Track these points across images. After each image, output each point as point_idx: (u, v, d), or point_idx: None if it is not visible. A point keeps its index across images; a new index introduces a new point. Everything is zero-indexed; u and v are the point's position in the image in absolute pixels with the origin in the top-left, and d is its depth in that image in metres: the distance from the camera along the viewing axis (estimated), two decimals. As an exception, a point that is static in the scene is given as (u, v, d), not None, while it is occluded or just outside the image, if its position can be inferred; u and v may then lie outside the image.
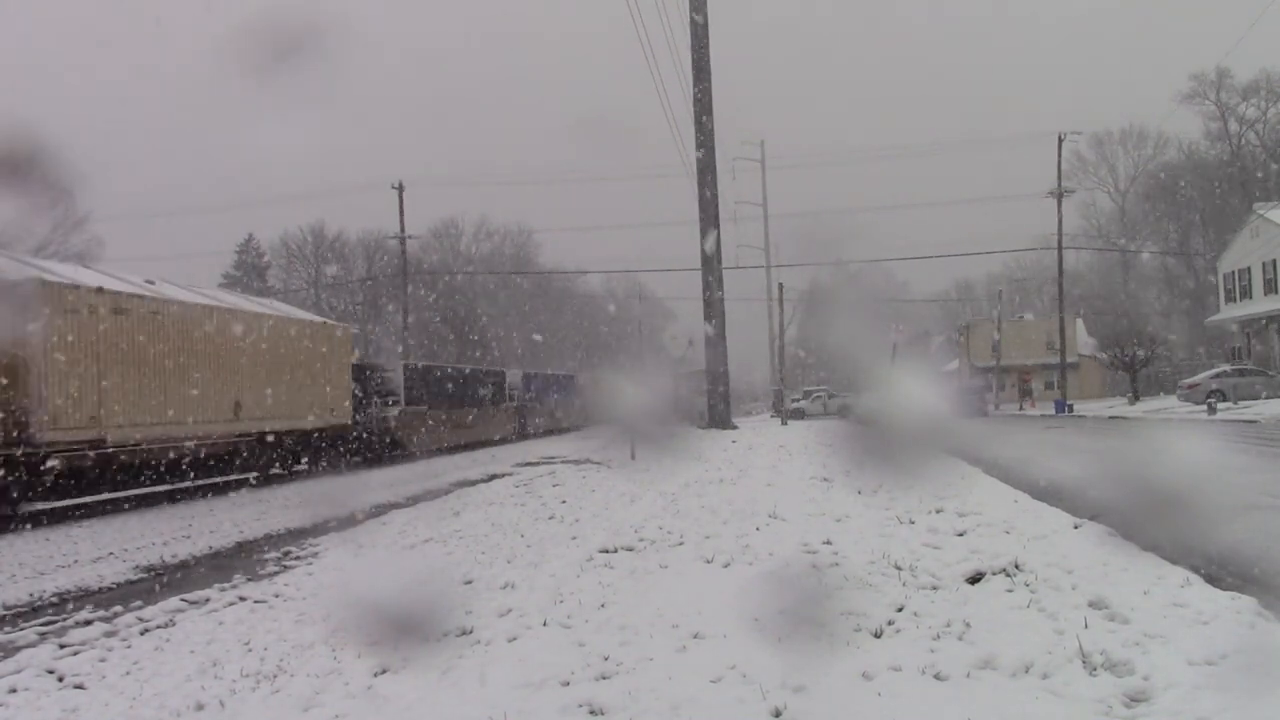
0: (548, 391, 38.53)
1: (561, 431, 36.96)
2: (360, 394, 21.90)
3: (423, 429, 24.53)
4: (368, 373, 23.38)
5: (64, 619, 6.72)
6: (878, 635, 4.40)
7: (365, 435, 21.66)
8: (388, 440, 22.86)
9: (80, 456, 12.88)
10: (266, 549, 9.85)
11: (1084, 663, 3.86)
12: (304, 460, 18.76)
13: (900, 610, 4.79)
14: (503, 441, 30.42)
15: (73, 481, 12.85)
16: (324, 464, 18.92)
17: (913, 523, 7.36)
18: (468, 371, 31.42)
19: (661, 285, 72.15)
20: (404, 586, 5.20)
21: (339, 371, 20.17)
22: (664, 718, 3.57)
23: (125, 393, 13.67)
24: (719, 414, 28.89)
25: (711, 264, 29.23)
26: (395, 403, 23.78)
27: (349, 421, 20.36)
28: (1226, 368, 36.69)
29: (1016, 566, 5.47)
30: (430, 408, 25.69)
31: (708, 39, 28.86)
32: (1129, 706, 3.49)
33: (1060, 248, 46.25)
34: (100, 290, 13.62)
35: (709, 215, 29.33)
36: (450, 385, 27.78)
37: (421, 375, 26.42)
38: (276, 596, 7.15)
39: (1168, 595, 4.72)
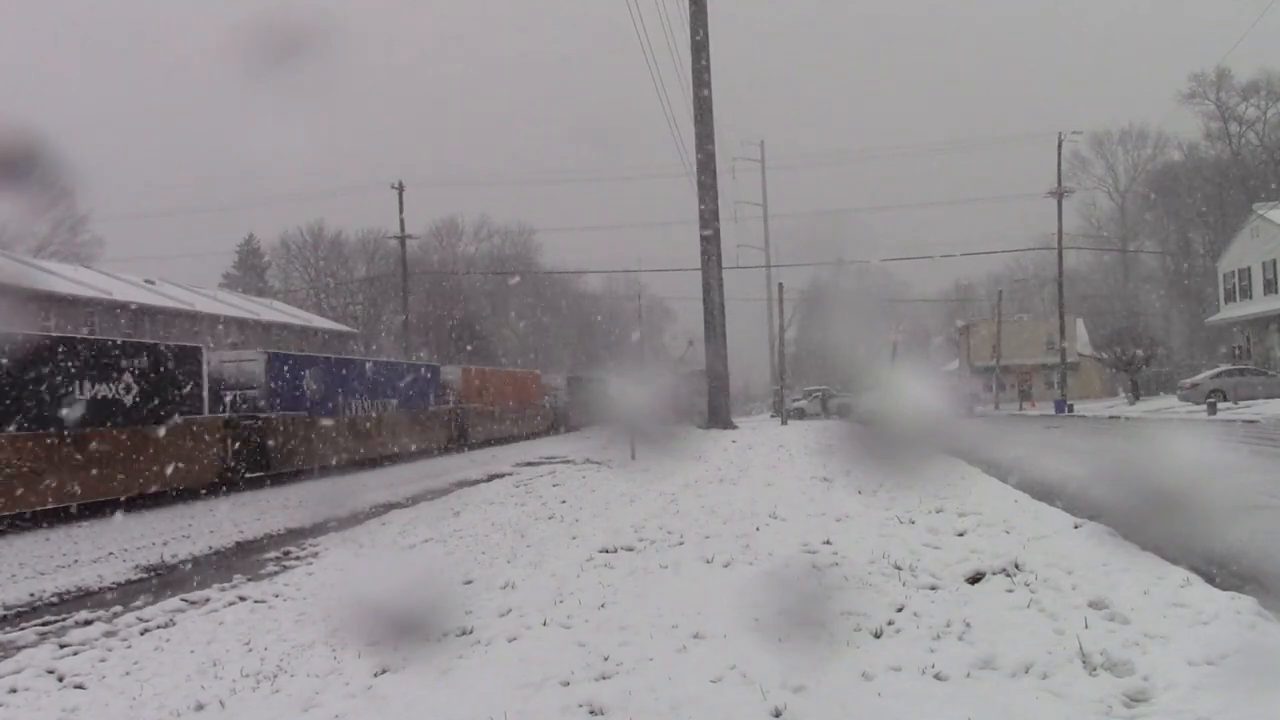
0: (346, 389, 21.39)
1: (371, 463, 20.22)
2: None
3: None
4: None
5: (64, 619, 6.72)
6: (878, 635, 4.40)
7: None
8: None
9: None
10: (266, 549, 9.85)
11: (1084, 663, 3.86)
12: None
13: (900, 610, 4.78)
14: (169, 498, 14.44)
15: None
16: None
17: (913, 522, 7.36)
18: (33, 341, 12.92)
19: (661, 285, 72.17)
20: (404, 586, 5.20)
21: None
22: (664, 718, 3.57)
23: None
24: (719, 414, 28.90)
25: (711, 264, 29.24)
26: None
27: None
28: (1226, 368, 36.69)
29: (1016, 566, 5.47)
30: None
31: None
32: (1129, 706, 3.49)
33: (1060, 248, 46.27)
34: None
35: (709, 214, 29.34)
36: None
37: None
38: (276, 596, 7.15)
39: (1168, 595, 4.72)
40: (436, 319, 57.25)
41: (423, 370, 27.29)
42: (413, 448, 23.43)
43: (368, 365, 23.98)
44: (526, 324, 67.38)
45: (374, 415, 22.29)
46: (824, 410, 46.91)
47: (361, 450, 20.68)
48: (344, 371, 22.28)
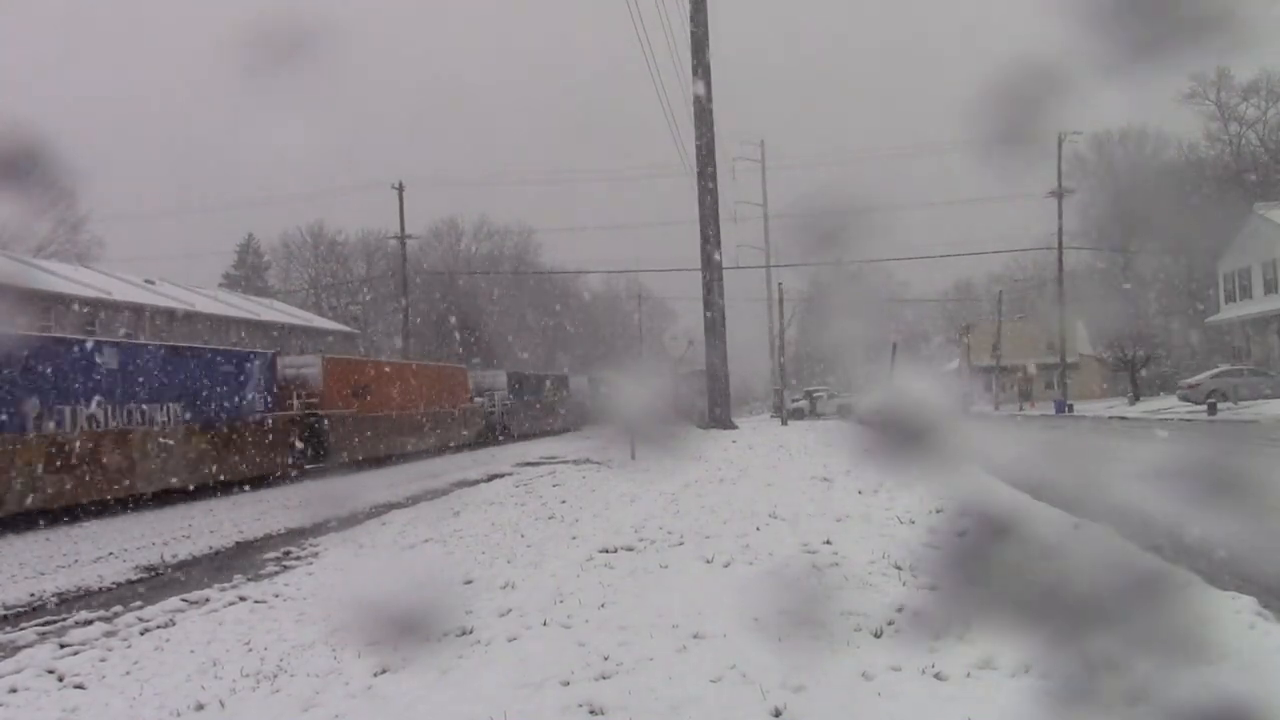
0: (60, 388, 12.98)
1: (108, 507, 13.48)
2: None
3: None
4: None
5: (64, 619, 6.73)
6: (878, 635, 4.40)
7: None
8: None
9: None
10: (266, 549, 9.85)
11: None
12: None
13: (900, 610, 4.79)
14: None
15: None
16: None
17: (913, 522, 7.36)
18: None
19: (662, 285, 72.14)
20: (404, 586, 5.20)
21: None
22: (664, 717, 3.57)
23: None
24: (719, 414, 28.89)
25: (712, 264, 29.23)
26: None
27: None
28: (1226, 368, 36.67)
29: (1016, 566, 5.46)
30: None
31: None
32: (1129, 705, 3.48)
33: (1060, 248, 46.26)
34: None
35: (710, 214, 29.33)
36: None
37: None
38: (276, 596, 7.15)
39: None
40: (436, 318, 57.18)
41: (245, 361, 17.86)
42: (211, 479, 15.40)
43: (108, 349, 14.24)
44: (522, 322, 67.33)
45: (116, 429, 13.72)
46: (813, 409, 46.76)
47: (74, 489, 12.67)
48: (58, 359, 13.13)
